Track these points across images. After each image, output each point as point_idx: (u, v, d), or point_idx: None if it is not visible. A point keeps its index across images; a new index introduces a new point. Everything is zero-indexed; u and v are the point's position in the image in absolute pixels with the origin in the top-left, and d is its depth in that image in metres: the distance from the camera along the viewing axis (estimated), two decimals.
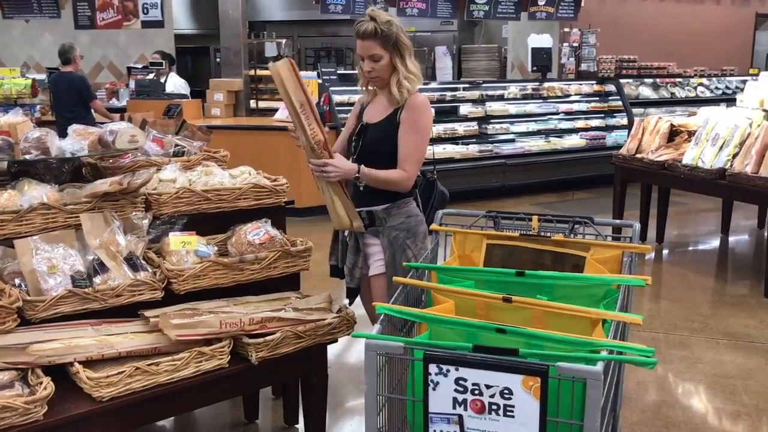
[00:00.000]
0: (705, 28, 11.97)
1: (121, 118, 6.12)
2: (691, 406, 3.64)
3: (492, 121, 8.94)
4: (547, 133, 9.25)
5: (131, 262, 2.74)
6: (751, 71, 10.10)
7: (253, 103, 9.02)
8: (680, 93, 10.21)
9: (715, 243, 6.84)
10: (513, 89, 9.21)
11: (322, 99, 7.81)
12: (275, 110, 8.31)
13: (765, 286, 5.16)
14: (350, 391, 3.72)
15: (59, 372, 2.42)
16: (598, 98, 9.66)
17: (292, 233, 3.28)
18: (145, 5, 10.30)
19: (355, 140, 3.02)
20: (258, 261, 2.89)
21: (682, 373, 3.98)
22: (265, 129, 7.71)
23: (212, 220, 3.12)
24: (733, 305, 5.03)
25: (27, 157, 2.94)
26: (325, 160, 2.70)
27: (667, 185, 6.26)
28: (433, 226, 2.66)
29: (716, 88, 10.46)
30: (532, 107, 9.22)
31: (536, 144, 9.08)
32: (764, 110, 6.16)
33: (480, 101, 8.93)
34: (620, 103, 9.60)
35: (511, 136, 9.03)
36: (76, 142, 3.06)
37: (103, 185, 2.84)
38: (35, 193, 2.81)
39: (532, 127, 9.19)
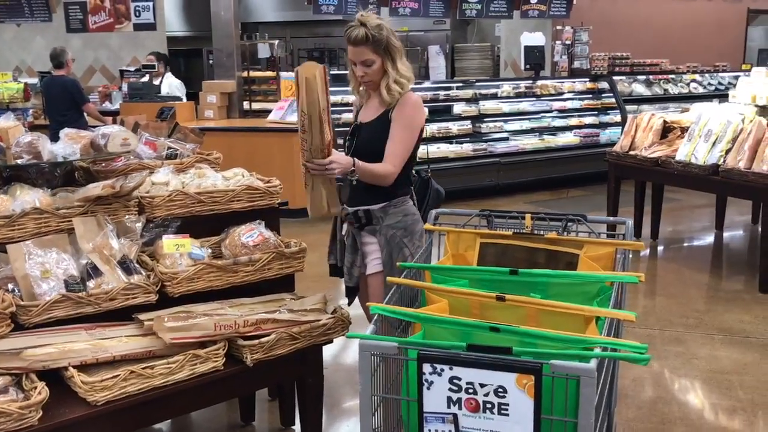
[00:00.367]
0: (697, 24, 12.00)
1: (114, 122, 6.11)
2: (687, 401, 3.65)
3: (486, 119, 8.95)
4: (540, 131, 9.26)
5: (125, 265, 2.73)
6: (743, 67, 10.15)
7: (246, 105, 9.02)
8: (673, 89, 10.23)
9: (710, 239, 6.86)
10: (506, 88, 9.22)
11: None
12: (268, 111, 8.30)
13: (759, 281, 5.18)
14: (347, 392, 3.72)
15: (54, 377, 2.41)
16: (591, 96, 9.67)
17: (287, 234, 3.28)
18: (137, 8, 10.29)
19: (350, 140, 3.04)
20: (252, 263, 2.89)
21: (678, 369, 3.99)
22: (259, 130, 7.70)
23: (206, 222, 3.11)
24: (728, 301, 5.04)
25: (19, 161, 2.94)
26: (329, 159, 2.70)
27: (660, 182, 6.27)
28: (427, 226, 2.66)
29: (709, 84, 10.49)
30: (525, 105, 9.23)
31: (530, 142, 9.09)
32: (756, 106, 6.19)
33: (473, 100, 8.94)
34: (613, 100, 9.61)
35: (504, 135, 9.04)
36: (68, 146, 3.06)
37: (95, 189, 2.83)
38: (27, 197, 2.80)
39: (526, 125, 9.20)
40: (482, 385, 1.72)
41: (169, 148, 3.60)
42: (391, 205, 2.95)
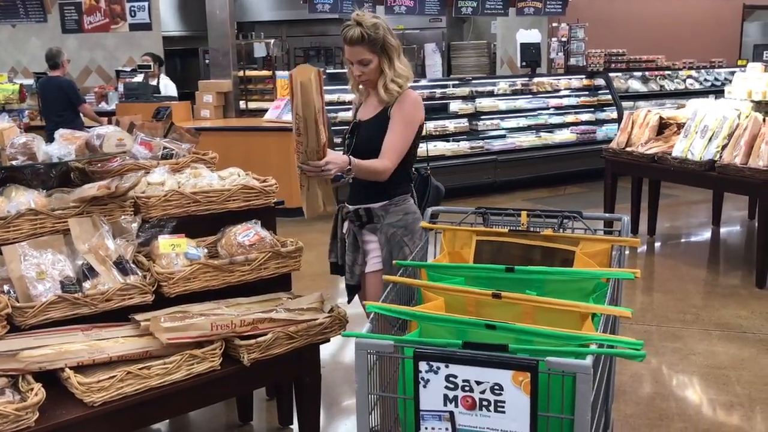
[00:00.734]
0: (693, 20, 12.00)
1: (109, 122, 6.09)
2: (685, 397, 3.65)
3: (482, 117, 8.95)
4: (537, 129, 9.27)
5: (121, 266, 2.73)
6: (739, 62, 10.14)
7: (242, 104, 9.01)
8: (669, 85, 10.24)
9: (707, 234, 6.87)
10: (503, 85, 9.22)
11: None
12: (265, 111, 8.30)
13: (756, 276, 5.19)
14: (345, 391, 3.72)
15: (50, 378, 2.41)
16: (587, 92, 9.67)
17: (284, 233, 3.28)
18: (133, 8, 10.26)
19: (349, 138, 3.04)
20: (248, 262, 2.89)
21: (675, 364, 4.00)
22: (255, 130, 7.70)
23: (201, 222, 3.11)
24: (725, 296, 5.05)
25: (13, 162, 2.93)
26: (325, 160, 2.68)
27: (657, 178, 6.28)
28: (423, 224, 2.66)
29: (705, 80, 10.49)
30: (522, 103, 9.23)
31: (527, 139, 9.09)
32: (752, 101, 6.19)
33: (470, 98, 8.93)
34: (610, 96, 9.61)
35: (501, 132, 9.04)
36: (63, 146, 3.05)
37: (90, 189, 2.82)
38: (22, 198, 2.79)
39: (523, 122, 9.19)
40: (478, 383, 1.72)
41: (165, 148, 3.59)
42: (392, 203, 2.96)
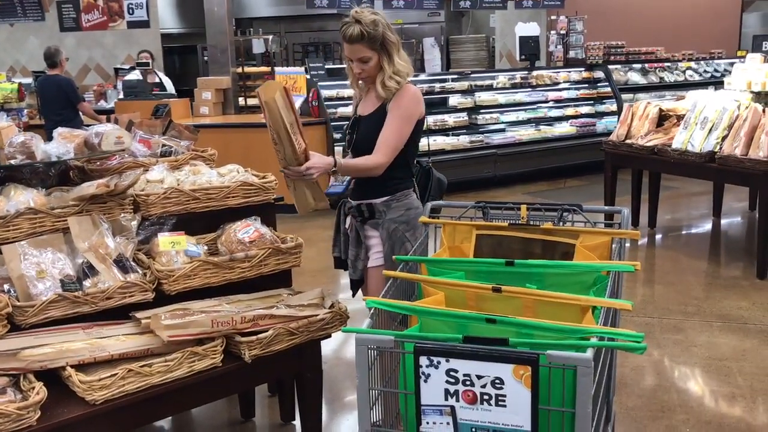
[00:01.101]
0: (692, 11, 11.97)
1: (108, 120, 6.08)
2: (687, 389, 3.65)
3: (482, 111, 8.94)
4: (537, 122, 9.25)
5: (121, 264, 2.73)
6: (738, 53, 10.13)
7: (241, 101, 8.99)
8: (669, 77, 10.22)
9: (707, 226, 6.86)
10: (502, 78, 9.21)
11: (310, 94, 7.80)
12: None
13: (757, 267, 5.18)
14: (347, 386, 3.72)
15: (52, 377, 2.41)
16: (587, 85, 9.66)
17: (284, 229, 3.28)
18: (131, 5, 10.26)
19: (350, 133, 3.05)
20: (248, 259, 2.89)
21: (677, 356, 4.00)
22: (255, 126, 7.66)
23: (201, 219, 3.11)
24: (726, 288, 5.04)
25: (12, 162, 2.92)
26: (306, 165, 2.72)
27: (657, 170, 6.27)
28: (422, 219, 2.65)
29: (705, 71, 10.47)
30: (521, 96, 9.22)
31: (527, 133, 9.08)
32: (752, 92, 6.18)
33: (469, 92, 8.92)
34: (609, 89, 9.60)
35: (501, 126, 9.03)
36: (62, 145, 3.05)
37: (89, 188, 2.82)
38: (22, 198, 2.79)
39: (522, 116, 9.18)
40: (479, 377, 1.72)
41: (164, 145, 3.58)
42: (394, 198, 2.95)
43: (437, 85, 8.86)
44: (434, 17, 13.25)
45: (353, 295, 3.14)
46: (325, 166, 2.75)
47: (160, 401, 2.49)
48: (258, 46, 10.90)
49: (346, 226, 3.06)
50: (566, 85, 9.54)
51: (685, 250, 6.05)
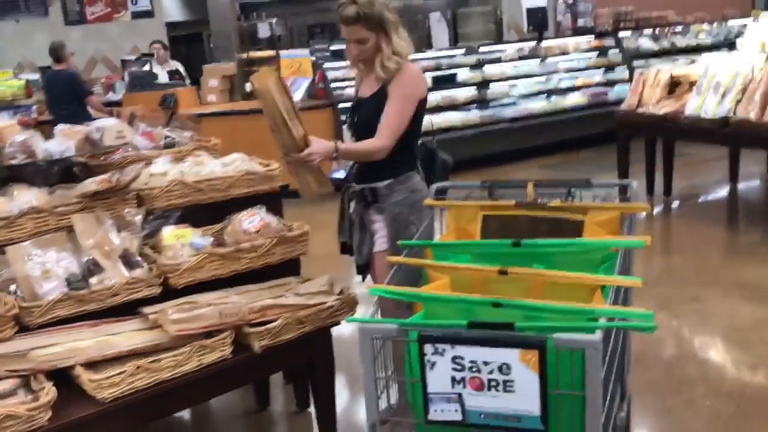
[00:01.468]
0: None
1: (110, 114, 6.08)
2: (706, 360, 3.60)
3: (491, 85, 8.82)
4: (548, 93, 9.12)
5: (126, 259, 2.71)
6: (752, 14, 9.90)
7: (248, 87, 8.93)
8: (681, 42, 10.01)
9: (724, 192, 6.74)
10: (510, 51, 9.08)
11: (316, 76, 7.73)
12: None
13: None
14: None
15: (63, 376, 2.40)
16: (597, 53, 9.51)
17: (293, 216, 3.25)
18: None
19: (351, 116, 3.01)
20: (254, 249, 2.87)
21: (695, 328, 3.94)
22: (262, 112, 7.63)
23: (206, 210, 3.09)
24: (745, 255, 4.96)
25: (13, 162, 2.91)
26: (307, 151, 2.68)
27: (670, 138, 6.16)
28: (427, 201, 2.61)
29: (718, 33, 10.25)
30: (530, 68, 9.09)
31: (538, 105, 8.95)
32: (766, 53, 6.03)
33: (477, 66, 8.80)
34: (620, 56, 9.44)
35: (511, 99, 8.91)
36: (63, 142, 3.03)
37: (91, 184, 2.81)
38: (25, 197, 2.78)
39: (533, 87, 9.05)
40: (486, 363, 1.68)
41: (167, 137, 3.57)
42: (397, 182, 2.91)
43: (444, 61, 8.74)
44: None
45: (363, 280, 3.11)
46: (326, 152, 2.71)
47: (171, 396, 2.48)
48: (263, 30, 10.84)
49: (351, 211, 3.02)
50: (576, 55, 9.39)
51: (702, 218, 5.95)
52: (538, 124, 8.77)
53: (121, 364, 2.43)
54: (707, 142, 5.86)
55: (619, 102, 7.79)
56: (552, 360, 1.64)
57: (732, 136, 5.29)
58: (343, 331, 3.01)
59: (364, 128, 2.86)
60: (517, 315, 1.79)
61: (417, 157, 3.01)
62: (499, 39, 12.02)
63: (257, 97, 2.68)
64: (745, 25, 8.39)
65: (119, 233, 2.81)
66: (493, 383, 1.69)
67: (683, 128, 5.56)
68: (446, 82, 8.64)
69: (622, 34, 9.58)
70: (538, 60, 9.13)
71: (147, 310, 2.63)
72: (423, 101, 2.88)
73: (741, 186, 6.76)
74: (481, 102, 8.73)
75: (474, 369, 1.69)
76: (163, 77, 8.63)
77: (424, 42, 12.52)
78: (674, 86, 6.03)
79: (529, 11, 9.50)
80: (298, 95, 7.68)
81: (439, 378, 1.72)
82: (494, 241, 2.25)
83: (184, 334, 2.52)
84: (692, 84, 5.77)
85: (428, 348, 1.71)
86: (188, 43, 14.15)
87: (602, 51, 9.51)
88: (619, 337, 2.06)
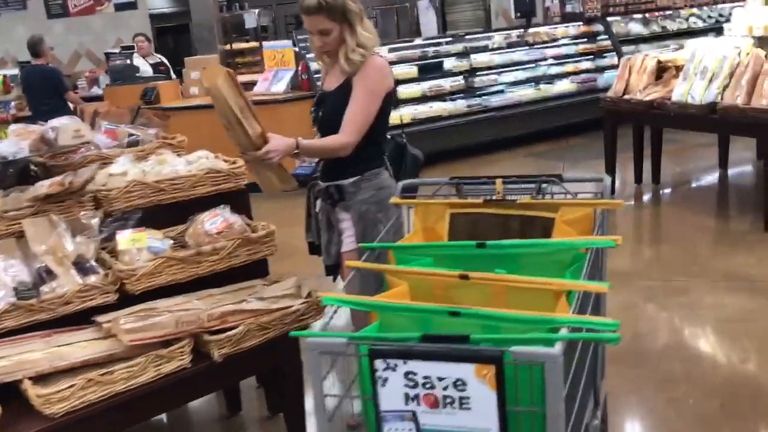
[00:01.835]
0: None
1: (75, 112, 5.92)
2: (692, 356, 3.49)
3: (478, 73, 8.68)
4: (536, 81, 8.97)
5: (80, 266, 2.60)
6: None
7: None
8: (672, 26, 9.87)
9: (714, 179, 6.62)
10: (497, 39, 8.93)
11: (299, 67, 7.59)
12: (255, 83, 8.08)
13: (765, 220, 4.98)
14: None
15: (12, 391, 2.29)
16: (586, 39, 9.36)
17: (261, 214, 3.13)
18: None
19: (315, 110, 2.89)
20: (216, 252, 2.75)
21: (682, 321, 3.84)
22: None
23: (169, 211, 2.96)
24: (733, 244, 4.85)
25: None
26: (265, 149, 2.55)
27: (657, 125, 6.04)
28: (393, 200, 2.49)
29: (709, 17, 10.11)
30: (518, 55, 8.95)
31: (526, 93, 8.81)
32: (753, 37, 5.91)
33: (464, 54, 8.66)
34: (609, 42, 9.30)
35: (499, 88, 8.77)
36: (15, 143, 2.92)
37: (42, 188, 2.68)
38: None
39: (521, 75, 8.91)
40: (440, 379, 1.56)
41: (131, 135, 3.43)
42: (364, 179, 2.79)
43: (431, 49, 8.59)
44: None
45: (334, 280, 3.00)
46: (285, 149, 2.59)
47: (127, 409, 2.37)
48: (250, 21, 10.67)
49: (317, 209, 2.91)
50: (565, 41, 9.25)
51: (690, 206, 5.84)
52: (526, 113, 8.64)
53: (75, 376, 2.32)
54: (694, 130, 5.75)
55: (608, 89, 7.66)
56: (510, 374, 1.53)
57: (719, 123, 5.17)
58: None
59: (329, 123, 2.74)
60: (476, 324, 1.68)
61: (384, 153, 2.89)
62: (488, 26, 11.88)
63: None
64: (736, 8, 8.26)
65: (74, 238, 2.69)
66: (449, 400, 1.57)
67: (670, 115, 5.43)
68: (433, 71, 8.49)
69: (611, 19, 9.43)
70: (527, 47, 8.98)
71: (101, 318, 2.51)
72: (389, 95, 2.76)
73: (731, 172, 6.64)
74: (469, 91, 8.59)
75: (428, 385, 1.58)
76: (146, 70, 8.47)
77: (413, 30, 12.38)
78: (661, 72, 5.89)
79: None
80: (281, 87, 7.55)
81: (391, 395, 1.61)
82: (457, 243, 2.13)
83: (138, 344, 2.41)
84: (679, 69, 5.64)
85: (379, 363, 1.59)
86: (175, 34, 13.98)
87: (591, 37, 9.37)
88: (588, 346, 1.95)
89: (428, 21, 12.39)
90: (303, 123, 5.40)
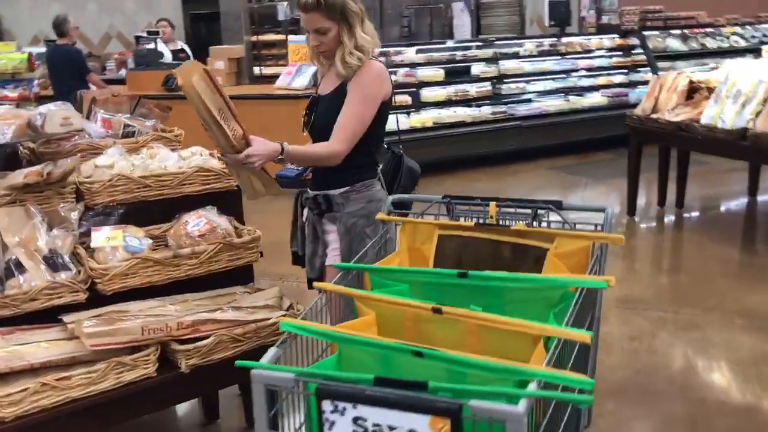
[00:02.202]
0: None
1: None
2: (697, 398, 3.29)
3: (506, 80, 8.49)
4: (565, 92, 8.75)
5: (51, 261, 2.48)
6: None
7: (257, 70, 8.69)
8: (712, 44, 9.56)
9: (741, 206, 6.35)
10: (529, 46, 8.72)
11: None
12: (278, 77, 7.97)
13: None
14: None
15: None
16: (621, 52, 9.11)
17: (252, 215, 3.00)
18: None
19: (307, 114, 2.74)
20: (195, 255, 2.62)
21: (690, 358, 3.64)
22: (264, 98, 7.37)
23: (155, 208, 2.84)
24: (755, 278, 4.62)
25: None
26: (246, 152, 2.39)
27: (684, 147, 5.80)
28: (379, 215, 2.34)
29: (752, 36, 9.77)
30: (549, 64, 8.73)
31: (554, 103, 8.59)
32: None
33: (493, 60, 8.47)
34: (644, 57, 9.02)
35: (527, 96, 8.57)
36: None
37: (19, 176, 2.57)
38: None
39: (550, 85, 8.70)
40: (391, 428, 1.42)
41: (126, 126, 3.31)
42: (354, 190, 2.64)
43: (460, 53, 8.42)
44: None
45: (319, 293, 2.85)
46: (268, 154, 2.43)
47: (84, 416, 2.25)
48: (282, 12, 10.55)
49: (304, 219, 2.77)
50: (598, 53, 9.01)
51: (713, 234, 5.59)
52: (552, 124, 8.42)
53: (35, 377, 2.22)
54: (722, 155, 5.50)
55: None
56: (468, 430, 1.37)
57: (749, 150, 4.93)
58: None
59: (321, 129, 2.59)
60: (439, 369, 1.53)
61: (378, 164, 2.73)
62: (522, 32, 11.65)
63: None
64: None
65: (51, 231, 2.59)
66: None
67: (698, 138, 5.20)
68: (460, 74, 8.32)
69: (649, 33, 9.15)
70: (558, 57, 8.76)
71: (68, 318, 2.40)
72: (386, 103, 2.61)
73: (761, 200, 6.37)
74: (495, 97, 8.39)
75: None
76: (167, 57, 8.40)
77: (446, 32, 12.18)
78: (693, 92, 5.66)
79: (552, 4, 9.13)
80: (302, 82, 7.42)
81: None
82: (437, 270, 1.98)
83: (100, 349, 2.29)
84: (711, 90, 5.41)
85: (327, 405, 1.45)
86: (208, 22, 13.92)
87: (626, 50, 9.11)
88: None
89: (463, 24, 12.19)
90: None
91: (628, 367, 3.48)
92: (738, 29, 9.73)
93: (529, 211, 2.24)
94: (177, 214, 2.84)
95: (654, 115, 5.64)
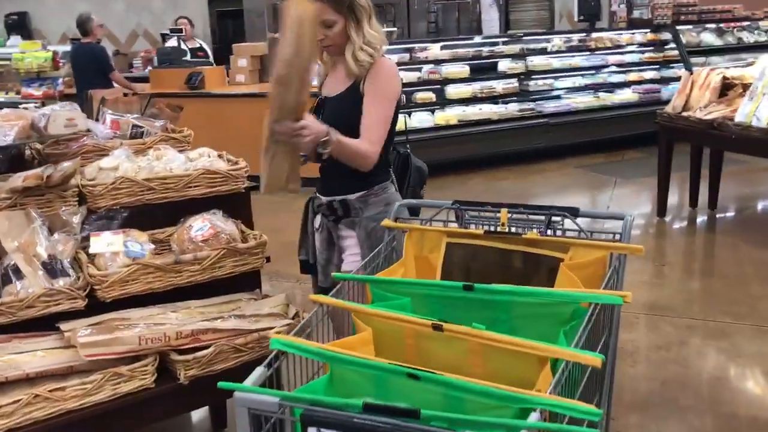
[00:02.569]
0: None
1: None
2: (726, 412, 3.12)
3: (534, 77, 8.31)
4: (595, 88, 8.55)
5: (50, 267, 2.41)
6: None
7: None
8: (749, 38, 9.26)
9: None
10: (557, 41, 8.53)
11: None
12: None
13: None
14: None
15: None
16: (652, 48, 8.87)
17: (261, 215, 2.91)
18: None
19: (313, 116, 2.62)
20: (197, 261, 2.53)
21: (720, 369, 3.47)
22: None
23: (160, 211, 2.76)
24: None
25: None
26: (302, 123, 2.23)
27: (716, 147, 5.59)
28: (385, 222, 2.23)
29: None
30: (578, 60, 8.54)
31: (583, 100, 8.40)
32: None
33: (521, 56, 8.29)
34: (677, 52, 8.76)
35: (555, 93, 8.38)
36: (1, 129, 2.74)
37: (18, 179, 2.51)
38: None
39: (579, 81, 8.50)
40: None
41: (134, 126, 3.25)
42: (371, 193, 2.53)
43: (486, 49, 8.26)
44: None
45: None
46: (318, 132, 2.27)
47: (79, 429, 2.17)
48: None
49: (316, 226, 2.66)
50: (629, 48, 8.78)
51: (747, 237, 5.38)
52: (581, 121, 8.24)
53: (30, 387, 2.15)
54: (756, 155, 5.28)
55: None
56: None
57: None
58: None
59: None
60: (435, 393, 1.42)
61: (390, 165, 2.62)
62: (552, 27, 11.44)
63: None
64: None
65: (52, 235, 2.52)
66: None
67: (731, 137, 5.00)
68: (486, 71, 8.17)
69: (682, 27, 8.89)
70: (587, 52, 8.56)
71: (65, 326, 2.33)
72: (399, 101, 2.50)
73: None
74: (522, 94, 8.22)
75: None
76: (187, 54, 8.38)
77: (473, 28, 12.02)
78: (726, 89, 5.45)
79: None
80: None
81: None
82: (442, 282, 1.87)
83: (96, 360, 2.21)
84: (746, 87, 5.20)
85: None
86: (234, 19, 13.92)
87: (658, 45, 8.86)
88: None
89: (491, 19, 12.02)
90: None
91: (654, 378, 3.33)
92: None
93: (542, 218, 2.11)
94: (182, 217, 2.76)
95: (685, 113, 5.44)
